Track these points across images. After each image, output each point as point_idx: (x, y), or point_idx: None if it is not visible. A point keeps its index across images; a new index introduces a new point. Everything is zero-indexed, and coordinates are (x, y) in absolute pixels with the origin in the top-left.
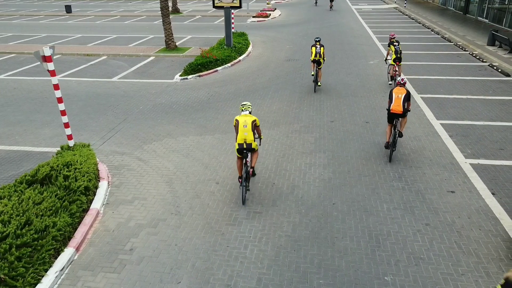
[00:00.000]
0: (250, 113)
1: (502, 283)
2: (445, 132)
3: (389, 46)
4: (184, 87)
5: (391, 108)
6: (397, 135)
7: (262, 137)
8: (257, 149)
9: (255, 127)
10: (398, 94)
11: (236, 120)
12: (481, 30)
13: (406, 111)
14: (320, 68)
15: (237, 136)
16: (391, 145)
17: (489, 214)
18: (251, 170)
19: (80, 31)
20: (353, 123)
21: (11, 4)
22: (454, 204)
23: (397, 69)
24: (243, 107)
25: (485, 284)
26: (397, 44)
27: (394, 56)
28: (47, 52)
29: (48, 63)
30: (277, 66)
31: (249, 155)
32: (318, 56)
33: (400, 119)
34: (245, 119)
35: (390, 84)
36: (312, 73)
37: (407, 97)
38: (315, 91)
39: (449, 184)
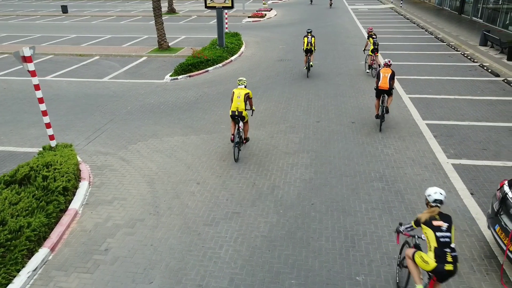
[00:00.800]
0: (245, 87)
1: (414, 220)
2: (430, 132)
3: (368, 38)
4: (173, 87)
5: (379, 85)
6: (384, 111)
7: (254, 108)
8: (247, 120)
9: (247, 98)
10: (385, 73)
11: (233, 92)
12: (475, 30)
13: (391, 88)
14: (312, 55)
15: (231, 104)
16: (380, 117)
17: (466, 215)
18: (244, 141)
19: (75, 31)
20: (339, 123)
21: (9, 4)
22: None
23: (374, 58)
24: (239, 81)
25: (456, 284)
26: (375, 37)
27: (372, 47)
28: (27, 52)
29: (28, 64)
30: (268, 66)
31: (241, 123)
32: (309, 45)
33: (386, 96)
34: (239, 92)
35: (367, 72)
36: (305, 67)
37: (392, 76)
38: (307, 77)
39: (429, 184)
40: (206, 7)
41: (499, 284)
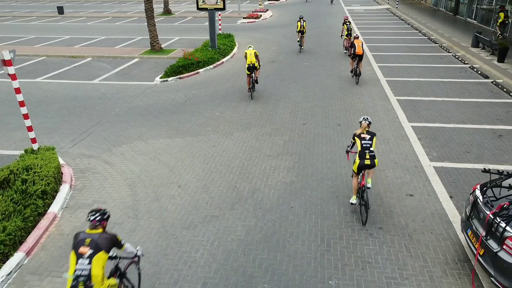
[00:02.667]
0: (253, 48)
1: (352, 136)
2: (415, 135)
3: (343, 25)
4: (163, 89)
5: (356, 51)
6: (358, 72)
7: (260, 64)
8: (258, 68)
9: (256, 56)
10: (358, 43)
11: (245, 52)
12: (468, 31)
13: (363, 53)
14: (303, 36)
15: (246, 60)
16: (357, 74)
17: (443, 218)
18: (255, 80)
19: (70, 32)
20: (325, 125)
21: (5, 5)
22: (411, 208)
23: (349, 41)
24: (249, 46)
25: None
26: (348, 23)
27: (346, 32)
28: (7, 56)
29: (8, 67)
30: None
31: (253, 73)
32: (301, 28)
33: (359, 60)
34: (250, 51)
35: (345, 52)
36: (298, 39)
37: (362, 44)
38: (300, 52)
39: (409, 188)
40: (198, 8)
41: None
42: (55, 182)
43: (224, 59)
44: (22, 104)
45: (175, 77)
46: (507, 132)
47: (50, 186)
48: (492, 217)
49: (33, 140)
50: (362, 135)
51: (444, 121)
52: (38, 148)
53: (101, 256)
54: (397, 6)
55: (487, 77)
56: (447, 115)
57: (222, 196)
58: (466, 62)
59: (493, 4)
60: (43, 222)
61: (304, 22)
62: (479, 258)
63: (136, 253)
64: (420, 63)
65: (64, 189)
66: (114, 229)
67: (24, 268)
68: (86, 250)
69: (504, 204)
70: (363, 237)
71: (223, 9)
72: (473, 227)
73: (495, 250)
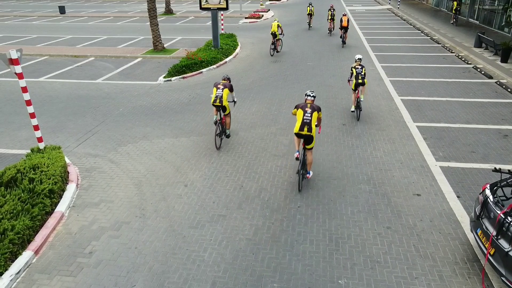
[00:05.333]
0: (277, 21)
1: (351, 70)
2: (420, 135)
3: (328, 11)
4: (166, 89)
5: (342, 24)
6: (344, 38)
7: (283, 33)
8: (279, 35)
9: (278, 26)
10: (345, 18)
11: (272, 24)
12: (470, 31)
13: (348, 26)
14: (312, 18)
15: (271, 29)
16: (344, 42)
17: (451, 217)
18: (276, 48)
19: (71, 32)
20: (330, 125)
21: (6, 5)
22: (418, 207)
23: (332, 24)
24: (275, 19)
25: (437, 287)
26: (333, 10)
27: (330, 17)
28: (14, 55)
29: (15, 66)
30: (262, 68)
31: (275, 40)
32: (310, 11)
33: (345, 31)
34: (275, 23)
35: (328, 33)
36: (307, 21)
37: (348, 20)
38: (309, 29)
39: (416, 187)
40: (201, 8)
41: None
42: (62, 181)
43: (227, 59)
44: (28, 103)
45: (178, 77)
46: None
47: (57, 185)
48: (503, 216)
49: (40, 139)
50: (357, 66)
51: (449, 121)
52: (45, 147)
53: (227, 91)
54: (398, 6)
55: (491, 77)
56: (452, 115)
57: (229, 196)
58: (469, 62)
59: (495, 5)
60: (51, 221)
61: (313, 7)
62: (490, 257)
63: (234, 99)
64: (423, 63)
65: (70, 188)
66: (121, 228)
67: (33, 267)
68: (220, 86)
69: None
70: (371, 237)
71: (226, 9)
72: (483, 226)
73: (506, 250)
